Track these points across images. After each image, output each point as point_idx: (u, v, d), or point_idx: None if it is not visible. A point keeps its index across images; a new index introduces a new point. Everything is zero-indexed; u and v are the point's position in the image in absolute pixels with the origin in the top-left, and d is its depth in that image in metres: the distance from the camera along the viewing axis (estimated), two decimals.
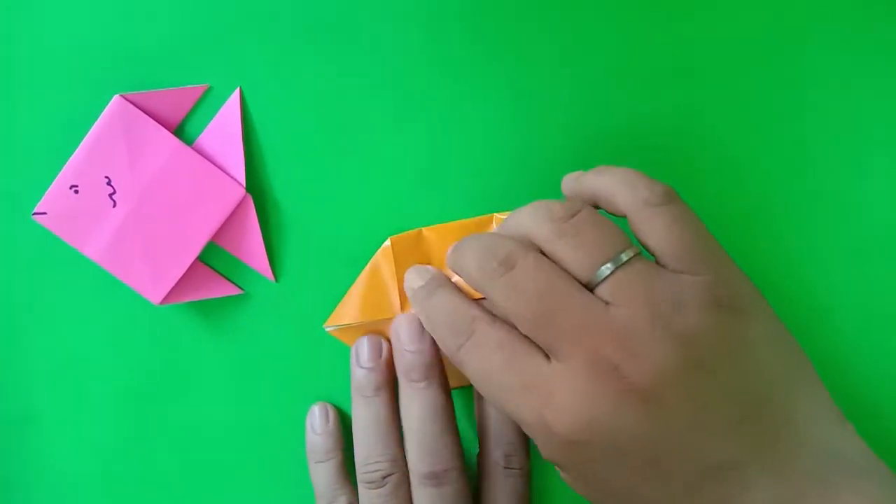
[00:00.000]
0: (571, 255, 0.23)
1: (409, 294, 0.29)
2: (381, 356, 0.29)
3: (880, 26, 0.31)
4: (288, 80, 0.31)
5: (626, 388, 0.21)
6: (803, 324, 0.31)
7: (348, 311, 0.31)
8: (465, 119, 0.31)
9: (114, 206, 0.30)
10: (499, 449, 0.29)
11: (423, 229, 0.31)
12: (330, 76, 0.31)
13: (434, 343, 0.28)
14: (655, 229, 0.23)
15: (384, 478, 0.28)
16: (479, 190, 0.31)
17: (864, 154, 0.31)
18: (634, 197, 0.24)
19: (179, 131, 0.31)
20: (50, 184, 0.30)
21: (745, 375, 0.22)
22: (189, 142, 0.31)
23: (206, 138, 0.31)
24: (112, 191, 0.30)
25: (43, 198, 0.30)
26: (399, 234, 0.30)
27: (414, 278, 0.28)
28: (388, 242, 0.30)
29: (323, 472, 0.30)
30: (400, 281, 0.30)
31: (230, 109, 0.31)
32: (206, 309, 0.32)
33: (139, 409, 0.32)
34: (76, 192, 0.30)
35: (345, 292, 0.31)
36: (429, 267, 0.29)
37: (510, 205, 0.30)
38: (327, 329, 0.31)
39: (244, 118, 0.31)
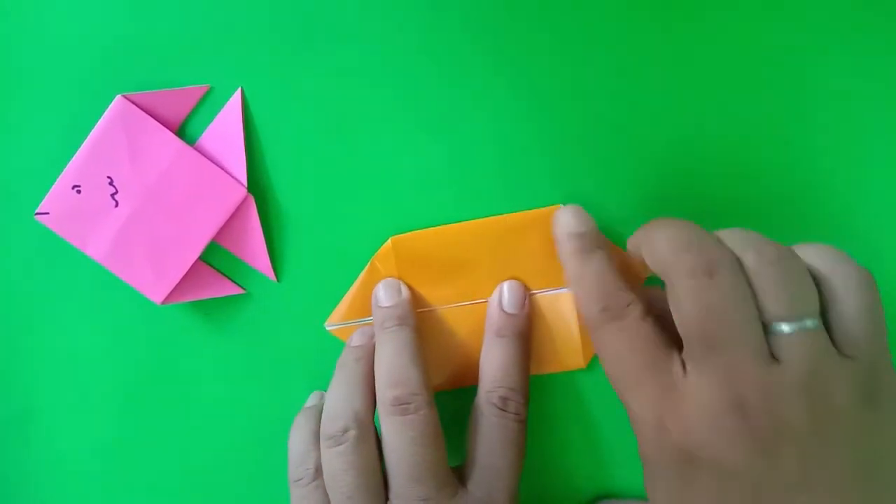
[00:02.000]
0: (772, 293, 0.23)
1: (560, 236, 0.28)
2: (372, 338, 0.30)
3: (882, 26, 0.31)
4: (289, 80, 0.31)
5: (751, 431, 0.22)
6: None
7: (349, 309, 0.31)
8: (465, 119, 0.31)
9: (116, 206, 0.30)
10: (498, 390, 0.29)
11: (426, 230, 0.31)
12: (331, 76, 0.31)
13: (409, 301, 0.30)
14: (852, 308, 0.23)
15: (344, 432, 0.27)
16: (480, 190, 0.31)
17: (865, 155, 0.31)
18: (846, 271, 0.24)
19: (181, 131, 0.31)
20: (52, 184, 0.30)
21: (862, 469, 0.22)
22: (191, 142, 0.31)
23: (208, 138, 0.31)
24: (114, 191, 0.30)
25: (45, 198, 0.30)
26: (401, 235, 0.31)
27: (571, 222, 0.28)
28: (389, 242, 0.31)
29: (297, 436, 0.30)
30: (402, 276, 0.30)
31: (231, 109, 0.31)
32: (207, 308, 0.32)
33: (141, 409, 0.32)
34: (78, 192, 0.30)
35: (346, 291, 0.31)
36: (586, 213, 0.28)
37: (511, 206, 0.31)
38: (328, 328, 0.31)
39: (245, 118, 0.31)
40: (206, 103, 0.31)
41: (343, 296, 0.31)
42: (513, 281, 0.30)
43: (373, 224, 0.31)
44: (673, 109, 0.31)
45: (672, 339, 0.24)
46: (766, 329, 0.23)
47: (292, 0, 0.31)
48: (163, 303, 0.31)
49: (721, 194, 0.31)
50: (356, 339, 0.30)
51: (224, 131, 0.31)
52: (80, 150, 0.30)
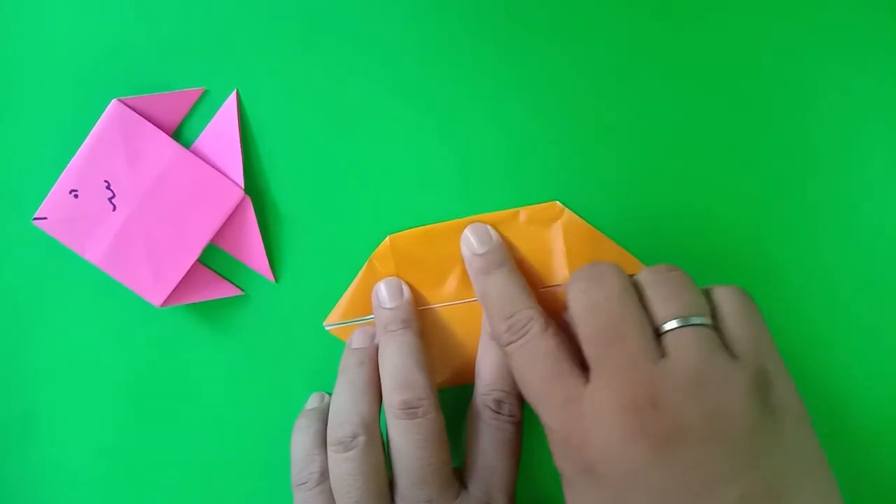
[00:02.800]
0: (653, 298, 0.25)
1: (465, 255, 0.29)
2: (373, 340, 0.30)
3: (882, 26, 0.31)
4: (284, 81, 0.31)
5: (643, 430, 0.22)
6: (803, 323, 0.31)
7: (348, 308, 0.31)
8: (462, 119, 0.31)
9: (113, 209, 0.30)
10: (491, 393, 0.29)
11: (423, 228, 0.31)
12: (326, 77, 0.31)
13: (411, 301, 0.30)
14: (734, 311, 0.25)
15: (353, 438, 0.27)
16: (478, 190, 0.31)
17: (865, 155, 0.31)
18: (725, 287, 0.26)
19: (177, 134, 0.31)
20: (50, 189, 0.30)
21: (760, 468, 0.22)
22: (187, 144, 0.31)
23: (204, 141, 0.31)
24: (111, 195, 0.30)
25: (43, 203, 0.30)
26: (398, 233, 0.31)
27: (473, 244, 0.29)
28: (387, 240, 0.31)
29: (301, 438, 0.29)
30: (400, 274, 0.30)
31: (227, 112, 0.31)
32: (206, 310, 0.32)
33: (142, 410, 0.32)
34: (76, 196, 0.30)
35: (344, 291, 0.31)
36: (491, 232, 0.30)
37: (509, 205, 0.31)
38: (327, 327, 0.31)
39: (241, 120, 0.31)
40: (202, 106, 0.31)
41: (342, 296, 0.31)
42: None
43: (370, 224, 0.31)
44: (674, 109, 0.31)
45: (580, 354, 0.25)
46: (658, 333, 0.24)
47: (285, 2, 0.31)
48: (162, 305, 0.31)
49: (722, 194, 0.31)
50: (357, 341, 0.30)
51: (220, 133, 0.31)
52: (76, 154, 0.30)
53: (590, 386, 0.24)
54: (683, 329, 0.24)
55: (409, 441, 0.27)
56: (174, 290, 0.31)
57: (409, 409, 0.27)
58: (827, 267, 0.31)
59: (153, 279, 0.31)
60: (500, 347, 0.27)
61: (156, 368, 0.32)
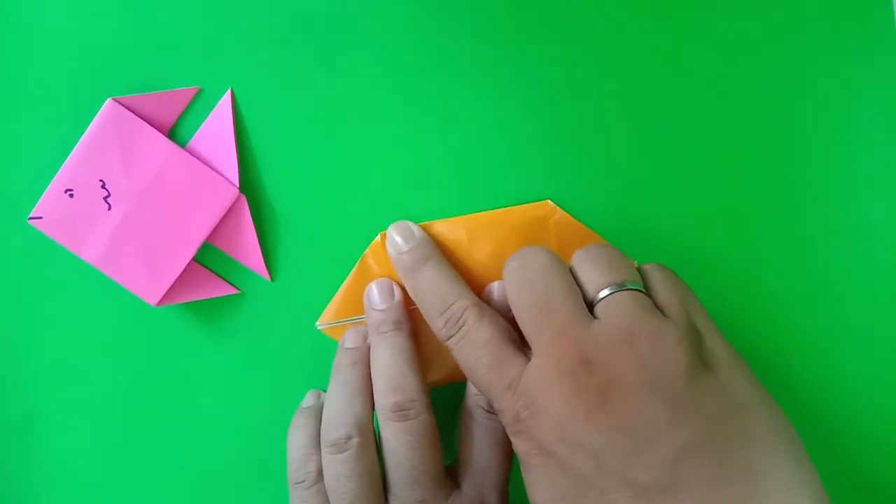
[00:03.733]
0: (585, 272, 0.26)
1: (392, 254, 0.29)
2: (366, 340, 0.30)
3: (880, 26, 0.31)
4: (279, 79, 0.31)
5: (578, 390, 0.23)
6: (797, 322, 0.31)
7: (340, 308, 0.31)
8: (457, 118, 0.31)
9: (109, 209, 0.30)
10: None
11: (416, 224, 0.31)
12: (320, 75, 0.31)
13: (403, 302, 0.30)
14: (661, 281, 0.26)
15: (347, 440, 0.27)
16: (472, 189, 0.31)
17: (861, 155, 0.31)
18: (649, 264, 0.27)
19: (172, 133, 0.31)
20: (45, 188, 0.30)
21: (700, 413, 0.22)
22: (182, 144, 0.31)
23: (199, 140, 0.31)
24: (107, 194, 0.30)
25: (38, 202, 0.30)
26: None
27: (398, 242, 0.29)
28: (379, 237, 0.31)
29: (297, 437, 0.30)
30: (391, 273, 0.30)
31: (222, 110, 0.31)
32: (202, 309, 0.32)
33: (137, 410, 0.32)
34: (71, 196, 0.30)
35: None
36: (414, 228, 0.30)
37: (504, 204, 0.31)
38: (319, 327, 0.31)
39: (236, 119, 0.31)
40: (197, 105, 0.31)
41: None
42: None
43: (366, 222, 0.31)
44: (669, 110, 0.31)
45: (521, 336, 0.26)
46: (592, 304, 0.25)
47: (280, 0, 0.31)
48: (158, 304, 0.31)
49: (716, 193, 0.31)
50: (350, 341, 0.30)
51: (215, 132, 0.31)
52: (71, 153, 0.30)
53: (530, 362, 0.24)
54: (615, 294, 0.24)
55: (400, 442, 0.27)
56: (170, 289, 0.31)
57: (400, 412, 0.27)
58: (823, 266, 0.31)
59: (149, 278, 0.31)
60: (444, 343, 0.27)
61: (151, 368, 0.32)
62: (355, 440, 0.27)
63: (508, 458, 0.29)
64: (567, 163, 0.31)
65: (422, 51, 0.31)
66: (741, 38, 0.31)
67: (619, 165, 0.31)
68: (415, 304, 0.31)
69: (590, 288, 0.25)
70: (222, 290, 0.32)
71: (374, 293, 0.30)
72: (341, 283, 0.31)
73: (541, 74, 0.31)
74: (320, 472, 0.28)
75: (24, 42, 0.31)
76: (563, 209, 0.30)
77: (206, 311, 0.32)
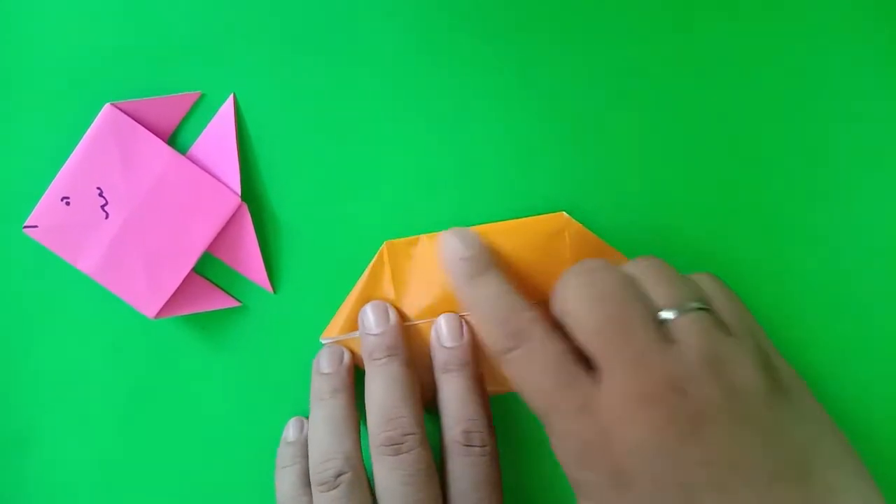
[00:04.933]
0: (653, 286, 0.24)
1: (448, 259, 0.27)
2: (341, 363, 0.29)
3: (887, 24, 0.30)
4: (282, 85, 0.30)
5: (670, 417, 0.22)
6: (805, 323, 0.31)
7: (346, 322, 0.30)
8: (465, 125, 0.30)
9: (106, 217, 0.30)
10: (459, 425, 0.27)
11: (421, 236, 0.30)
12: (325, 81, 0.30)
13: (398, 326, 0.29)
14: (718, 296, 0.25)
15: (337, 476, 0.27)
16: (481, 197, 0.30)
17: (870, 155, 0.31)
18: (704, 275, 0.26)
19: (172, 140, 0.30)
20: (41, 196, 0.30)
21: (784, 444, 0.22)
22: (182, 150, 0.30)
23: (200, 146, 0.30)
24: (104, 202, 0.30)
25: (34, 211, 0.30)
26: (395, 240, 0.30)
27: (458, 247, 0.27)
28: (383, 246, 0.30)
29: (286, 478, 0.29)
30: (396, 285, 0.29)
31: (224, 117, 0.30)
32: (203, 322, 0.31)
33: (135, 424, 0.31)
34: (68, 204, 0.30)
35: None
36: (474, 234, 0.28)
37: (511, 213, 0.30)
38: (324, 342, 0.30)
39: (239, 125, 0.30)
40: (198, 110, 0.30)
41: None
42: (447, 314, 0.29)
43: (372, 232, 0.30)
44: (680, 115, 0.30)
45: (581, 355, 0.24)
46: (658, 322, 0.23)
47: (283, 5, 0.30)
48: (156, 317, 0.30)
49: (733, 204, 0.31)
50: (325, 365, 0.29)
51: (217, 139, 0.30)
52: (68, 160, 0.29)
53: (603, 384, 0.23)
54: (686, 314, 0.23)
55: (393, 477, 0.26)
56: (168, 302, 0.30)
57: (393, 445, 0.27)
58: (836, 270, 0.31)
59: (147, 290, 0.30)
60: (496, 356, 0.25)
61: (150, 381, 0.31)
62: (346, 476, 0.27)
63: (498, 495, 0.28)
64: (579, 170, 0.30)
65: (427, 56, 0.30)
66: (756, 40, 0.30)
67: (632, 172, 0.30)
68: (418, 320, 0.29)
69: (655, 305, 0.24)
70: (223, 302, 0.31)
71: (369, 316, 0.29)
72: (346, 295, 0.30)
73: (550, 80, 0.30)
74: None
75: (22, 45, 0.30)
76: (574, 216, 0.30)
77: (207, 323, 0.31)
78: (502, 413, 0.30)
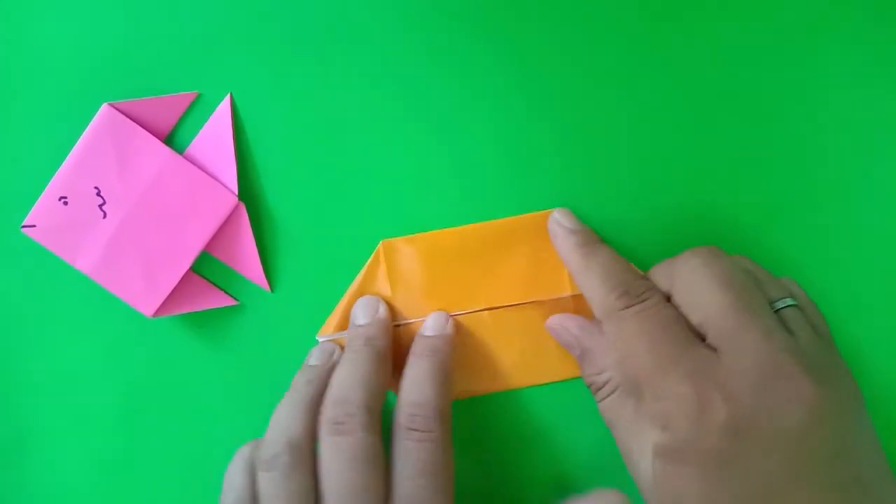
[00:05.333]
0: (762, 279, 0.27)
1: (559, 232, 0.29)
2: (330, 358, 0.29)
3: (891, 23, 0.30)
4: (279, 85, 0.30)
5: (799, 395, 0.23)
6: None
7: (341, 320, 0.30)
8: (461, 125, 0.30)
9: (104, 217, 0.30)
10: (406, 408, 0.27)
11: (416, 235, 0.30)
12: (321, 81, 0.30)
13: (385, 321, 0.29)
14: (799, 296, 0.28)
15: (276, 458, 0.26)
16: (477, 197, 0.30)
17: (875, 154, 0.31)
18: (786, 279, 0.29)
19: (170, 139, 0.30)
20: (39, 195, 0.30)
21: (849, 447, 0.24)
22: (180, 150, 0.30)
23: (197, 146, 0.30)
24: (102, 202, 0.30)
25: (31, 210, 0.30)
26: (391, 239, 0.30)
27: (567, 225, 0.29)
28: (380, 246, 0.30)
29: (235, 464, 0.27)
30: (392, 283, 0.29)
31: (221, 116, 0.30)
32: (200, 321, 0.31)
33: (133, 423, 0.31)
34: (65, 203, 0.30)
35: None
36: (574, 214, 0.30)
37: (508, 211, 0.30)
38: (319, 339, 0.30)
39: (235, 125, 0.30)
40: (195, 110, 0.30)
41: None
42: (437, 312, 0.30)
43: (369, 231, 0.30)
44: (678, 112, 0.30)
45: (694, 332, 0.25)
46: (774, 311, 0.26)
47: (280, 4, 0.30)
48: (153, 315, 0.30)
49: (729, 199, 0.31)
50: (314, 358, 0.29)
51: (214, 138, 0.30)
52: (66, 160, 0.30)
53: (724, 356, 0.24)
54: (791, 309, 0.26)
55: (334, 459, 0.25)
56: (166, 300, 0.30)
57: (335, 425, 0.26)
58: (836, 266, 0.31)
59: (144, 288, 0.30)
60: (608, 315, 0.26)
61: (148, 380, 0.31)
62: (284, 458, 0.25)
63: (444, 483, 0.26)
64: (576, 168, 0.30)
65: (424, 56, 0.30)
66: (753, 40, 0.30)
67: (627, 171, 0.30)
68: (400, 323, 0.30)
69: (770, 296, 0.26)
70: (220, 300, 0.31)
71: (359, 309, 0.30)
72: (343, 293, 0.30)
73: (548, 79, 0.30)
74: (254, 497, 0.26)
75: (19, 46, 0.30)
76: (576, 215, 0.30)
77: (204, 322, 0.31)
78: (489, 413, 0.31)
